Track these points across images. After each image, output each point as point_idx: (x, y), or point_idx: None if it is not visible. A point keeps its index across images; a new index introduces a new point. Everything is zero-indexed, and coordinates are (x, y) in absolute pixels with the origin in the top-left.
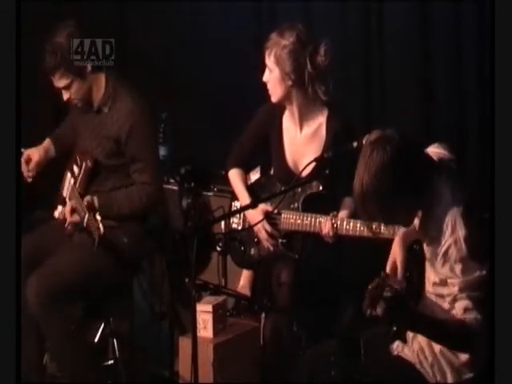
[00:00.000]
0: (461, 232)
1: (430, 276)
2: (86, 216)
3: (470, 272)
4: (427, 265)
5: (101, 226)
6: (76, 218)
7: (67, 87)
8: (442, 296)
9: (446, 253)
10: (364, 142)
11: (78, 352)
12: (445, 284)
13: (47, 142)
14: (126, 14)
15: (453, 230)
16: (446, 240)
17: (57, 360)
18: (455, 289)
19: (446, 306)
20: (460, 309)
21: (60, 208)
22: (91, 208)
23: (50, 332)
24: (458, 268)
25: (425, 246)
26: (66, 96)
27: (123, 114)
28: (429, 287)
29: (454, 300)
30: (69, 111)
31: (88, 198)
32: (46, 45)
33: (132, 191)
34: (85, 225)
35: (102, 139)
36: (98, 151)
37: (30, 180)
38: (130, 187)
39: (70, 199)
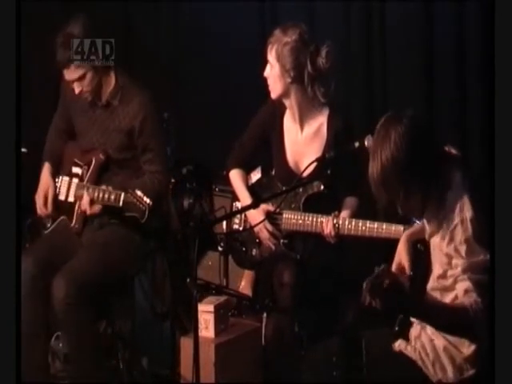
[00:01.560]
0: (468, 213)
1: (435, 269)
2: (122, 195)
3: (475, 254)
4: (433, 253)
5: (145, 198)
6: (96, 208)
7: (81, 78)
8: (445, 289)
9: (452, 232)
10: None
11: (94, 353)
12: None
13: (47, 167)
14: (128, 13)
15: (460, 210)
16: (453, 220)
17: (74, 361)
18: (458, 270)
19: (448, 300)
20: (461, 290)
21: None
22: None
23: (74, 332)
24: (462, 249)
25: (431, 227)
26: (78, 89)
27: (135, 104)
28: (433, 283)
29: (455, 282)
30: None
31: (103, 187)
32: (57, 38)
33: (144, 179)
34: (121, 204)
35: (112, 132)
36: (107, 146)
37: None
38: (141, 177)
39: (80, 194)
